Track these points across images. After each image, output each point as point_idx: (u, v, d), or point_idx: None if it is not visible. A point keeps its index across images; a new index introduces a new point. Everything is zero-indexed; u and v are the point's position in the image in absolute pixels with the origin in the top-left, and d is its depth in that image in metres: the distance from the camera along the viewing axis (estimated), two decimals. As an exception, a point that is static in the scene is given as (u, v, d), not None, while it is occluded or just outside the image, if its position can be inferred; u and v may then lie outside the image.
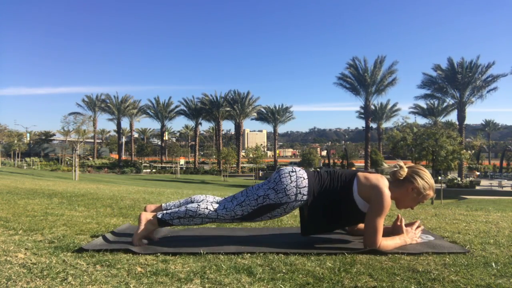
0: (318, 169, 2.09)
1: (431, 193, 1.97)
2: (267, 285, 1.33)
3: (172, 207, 2.13)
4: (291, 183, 1.90)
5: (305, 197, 1.91)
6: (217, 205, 1.98)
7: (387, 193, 1.84)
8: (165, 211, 2.00)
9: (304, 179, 1.93)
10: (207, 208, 1.95)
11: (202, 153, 71.89)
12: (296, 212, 2.79)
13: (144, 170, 44.28)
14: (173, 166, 45.09)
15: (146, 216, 1.98)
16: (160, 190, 7.31)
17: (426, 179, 1.93)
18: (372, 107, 42.65)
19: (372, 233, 1.80)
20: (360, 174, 1.94)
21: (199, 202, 2.04)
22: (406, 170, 1.95)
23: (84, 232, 2.20)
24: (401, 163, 1.98)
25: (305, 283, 1.34)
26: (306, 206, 1.93)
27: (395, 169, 1.96)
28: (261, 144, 58.71)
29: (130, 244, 1.85)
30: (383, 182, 1.87)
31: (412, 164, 2.03)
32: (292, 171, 1.95)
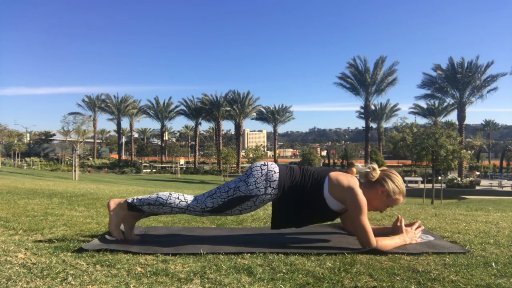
0: (290, 165, 2.11)
1: (400, 198, 1.97)
2: (267, 285, 1.32)
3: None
4: (261, 176, 1.93)
5: (275, 191, 1.92)
6: (189, 196, 2.00)
7: (359, 191, 1.86)
8: (135, 197, 2.02)
9: (275, 172, 1.95)
10: (178, 198, 1.97)
11: (202, 153, 71.86)
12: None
13: (144, 170, 44.27)
14: (173, 166, 45.08)
15: (115, 201, 2.01)
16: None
17: (397, 184, 1.94)
18: (372, 107, 42.62)
19: (363, 234, 1.81)
20: (332, 174, 1.95)
21: (171, 192, 2.05)
22: (378, 172, 1.97)
23: (84, 232, 2.20)
24: (375, 165, 1.99)
25: (305, 283, 1.34)
26: (276, 200, 1.95)
27: (368, 170, 1.97)
28: (261, 144, 58.79)
29: (129, 244, 1.85)
30: (354, 182, 1.89)
31: (385, 168, 2.04)
32: (264, 165, 1.98)
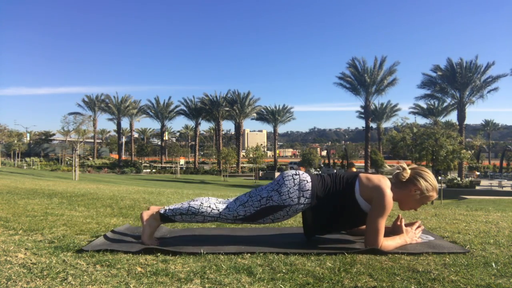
0: (320, 173, 2.10)
1: (434, 195, 1.96)
2: (267, 285, 1.32)
3: None
4: (294, 186, 1.91)
5: (308, 200, 1.90)
6: (220, 204, 1.98)
7: (389, 193, 1.83)
8: (167, 207, 1.99)
9: (307, 182, 1.93)
10: (209, 206, 1.95)
11: (202, 153, 71.81)
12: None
13: (144, 170, 44.26)
14: (173, 166, 45.06)
15: (148, 212, 1.99)
16: (160, 190, 7.32)
17: (430, 181, 1.92)
18: (372, 107, 42.64)
19: (374, 233, 1.80)
20: (362, 175, 1.94)
21: (202, 200, 2.04)
22: (409, 172, 1.94)
23: (84, 232, 2.19)
24: (404, 164, 1.97)
25: (305, 283, 1.34)
26: (310, 209, 1.94)
27: (398, 171, 1.95)
28: (261, 144, 58.74)
29: (130, 244, 1.85)
30: (385, 183, 1.87)
31: (415, 166, 2.02)
32: (296, 174, 1.95)
